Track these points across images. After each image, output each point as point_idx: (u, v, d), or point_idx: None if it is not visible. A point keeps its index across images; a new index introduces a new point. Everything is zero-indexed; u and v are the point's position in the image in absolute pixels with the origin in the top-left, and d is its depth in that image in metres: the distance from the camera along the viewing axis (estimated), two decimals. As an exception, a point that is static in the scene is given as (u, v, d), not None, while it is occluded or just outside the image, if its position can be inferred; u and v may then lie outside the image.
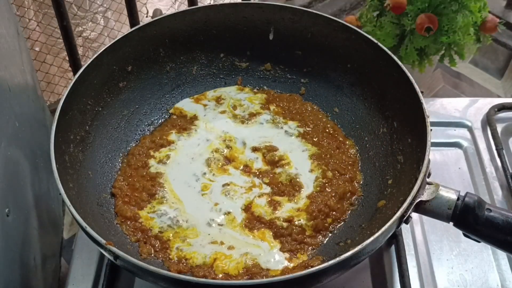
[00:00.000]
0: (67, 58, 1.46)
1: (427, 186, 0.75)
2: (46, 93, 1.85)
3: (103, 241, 0.70)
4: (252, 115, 1.03)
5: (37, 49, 1.86)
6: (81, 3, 1.93)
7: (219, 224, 0.86)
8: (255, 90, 1.08)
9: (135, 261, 0.68)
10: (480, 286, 0.86)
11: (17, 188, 0.91)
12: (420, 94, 0.84)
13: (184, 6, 2.03)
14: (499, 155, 1.01)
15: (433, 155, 1.03)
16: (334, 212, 0.88)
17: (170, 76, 1.05)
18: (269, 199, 0.90)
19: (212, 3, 1.96)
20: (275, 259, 0.82)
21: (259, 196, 0.90)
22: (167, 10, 2.06)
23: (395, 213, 0.71)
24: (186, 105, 1.05)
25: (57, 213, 1.14)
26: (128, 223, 0.87)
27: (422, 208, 0.75)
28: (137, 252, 0.83)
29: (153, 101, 1.04)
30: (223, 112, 1.04)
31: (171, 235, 0.85)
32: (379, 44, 0.93)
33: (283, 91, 1.07)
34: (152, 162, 0.95)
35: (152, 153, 0.96)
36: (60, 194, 0.74)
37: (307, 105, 1.05)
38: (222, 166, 0.94)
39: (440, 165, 1.03)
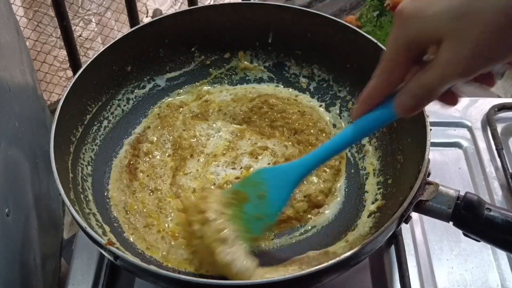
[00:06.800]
0: (66, 58, 1.46)
1: (427, 185, 0.75)
2: (46, 93, 1.85)
3: (103, 241, 0.70)
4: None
5: (37, 49, 1.86)
6: (81, 3, 1.93)
7: None
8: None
9: (135, 261, 0.68)
10: (480, 286, 0.86)
11: (17, 188, 0.90)
12: (420, 94, 0.83)
13: (184, 6, 2.03)
14: (499, 155, 1.01)
15: (433, 155, 1.03)
16: None
17: (169, 77, 1.05)
18: None
19: (212, 3, 1.96)
20: None
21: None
22: (167, 10, 2.06)
23: (395, 213, 0.72)
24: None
25: (57, 213, 1.14)
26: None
27: (422, 207, 0.75)
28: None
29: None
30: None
31: None
32: (379, 44, 0.93)
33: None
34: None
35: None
36: (60, 194, 0.74)
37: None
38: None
39: (440, 165, 1.03)
